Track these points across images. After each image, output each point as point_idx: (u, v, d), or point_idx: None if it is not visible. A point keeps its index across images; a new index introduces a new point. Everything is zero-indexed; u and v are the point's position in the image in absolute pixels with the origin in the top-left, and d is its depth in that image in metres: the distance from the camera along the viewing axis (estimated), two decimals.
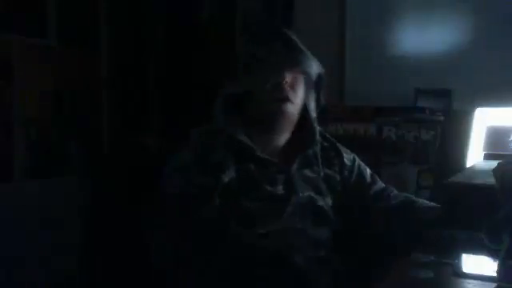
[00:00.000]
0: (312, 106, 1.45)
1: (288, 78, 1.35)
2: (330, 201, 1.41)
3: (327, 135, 1.54)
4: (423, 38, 2.49)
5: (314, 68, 1.41)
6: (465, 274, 1.09)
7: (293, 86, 1.36)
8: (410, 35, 2.53)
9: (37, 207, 2.57)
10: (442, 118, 2.25)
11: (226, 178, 1.25)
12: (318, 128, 1.45)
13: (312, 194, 1.37)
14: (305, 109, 1.44)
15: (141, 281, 1.33)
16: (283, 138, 1.42)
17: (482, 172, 1.39)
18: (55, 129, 2.77)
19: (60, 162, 2.80)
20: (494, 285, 1.00)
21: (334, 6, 2.68)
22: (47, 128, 2.74)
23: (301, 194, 1.34)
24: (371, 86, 2.55)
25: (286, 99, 1.35)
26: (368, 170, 1.54)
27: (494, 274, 1.02)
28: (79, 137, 2.89)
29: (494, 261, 1.06)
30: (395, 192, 1.52)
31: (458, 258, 1.16)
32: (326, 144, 1.49)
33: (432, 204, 1.45)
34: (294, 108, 1.38)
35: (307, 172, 1.40)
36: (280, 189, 1.32)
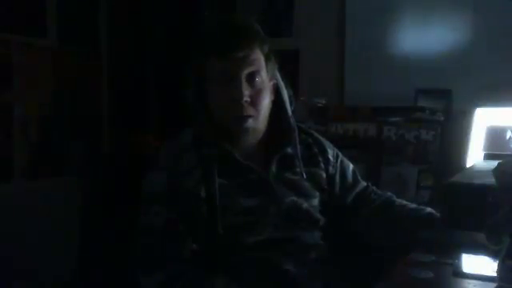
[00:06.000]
0: (287, 102, 1.39)
1: (247, 89, 1.25)
2: (316, 200, 1.36)
3: (310, 130, 1.48)
4: (423, 37, 2.49)
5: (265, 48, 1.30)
6: (465, 273, 1.09)
7: (254, 96, 1.27)
8: (410, 35, 2.53)
9: (37, 207, 2.57)
10: (442, 118, 2.25)
11: (204, 194, 1.22)
12: (295, 125, 1.38)
13: (295, 198, 1.32)
14: (280, 105, 1.37)
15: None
16: (254, 141, 1.34)
17: (482, 172, 1.39)
18: (55, 129, 2.78)
19: (60, 162, 2.80)
20: (494, 285, 1.00)
21: (334, 6, 2.68)
22: (47, 128, 2.74)
23: (284, 200, 1.30)
24: (371, 86, 2.55)
25: (247, 117, 1.26)
26: (350, 168, 1.49)
27: (494, 274, 1.02)
28: (79, 137, 2.90)
29: (494, 261, 1.06)
30: (376, 191, 1.49)
31: (458, 258, 1.16)
32: (310, 140, 1.43)
33: (413, 205, 1.43)
34: (256, 122, 1.29)
35: (288, 175, 1.34)
36: (261, 199, 1.27)
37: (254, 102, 1.27)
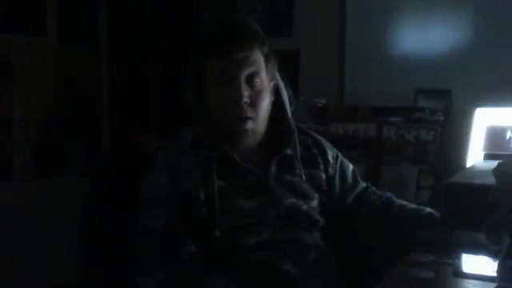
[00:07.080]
0: (286, 103, 1.39)
1: (246, 90, 1.25)
2: (315, 202, 1.36)
3: (309, 131, 1.48)
4: (423, 38, 2.50)
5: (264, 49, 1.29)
6: (465, 273, 1.09)
7: (254, 97, 1.26)
8: (409, 35, 2.54)
9: (37, 207, 2.57)
10: (442, 118, 2.25)
11: (203, 196, 1.22)
12: (295, 126, 1.38)
13: (294, 200, 1.31)
14: (279, 106, 1.37)
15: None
16: (253, 143, 1.33)
17: (482, 172, 1.39)
18: (55, 129, 2.78)
19: (60, 162, 2.80)
20: (494, 285, 1.00)
21: (334, 6, 2.69)
22: (47, 128, 2.74)
23: (283, 202, 1.29)
24: (371, 86, 2.55)
25: (246, 118, 1.26)
26: (350, 168, 1.48)
27: (494, 274, 1.02)
28: (79, 137, 2.90)
29: (494, 261, 1.06)
30: (376, 192, 1.49)
31: (458, 258, 1.17)
32: (309, 141, 1.42)
33: (413, 205, 1.43)
34: (256, 123, 1.28)
35: (288, 176, 1.33)
36: (260, 200, 1.27)
37: (254, 103, 1.27)
